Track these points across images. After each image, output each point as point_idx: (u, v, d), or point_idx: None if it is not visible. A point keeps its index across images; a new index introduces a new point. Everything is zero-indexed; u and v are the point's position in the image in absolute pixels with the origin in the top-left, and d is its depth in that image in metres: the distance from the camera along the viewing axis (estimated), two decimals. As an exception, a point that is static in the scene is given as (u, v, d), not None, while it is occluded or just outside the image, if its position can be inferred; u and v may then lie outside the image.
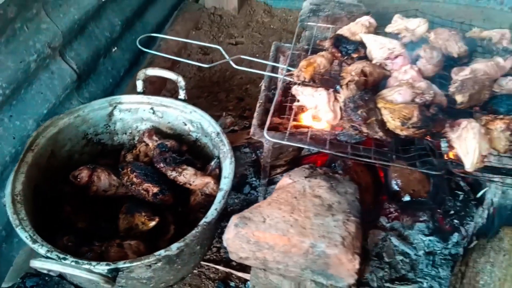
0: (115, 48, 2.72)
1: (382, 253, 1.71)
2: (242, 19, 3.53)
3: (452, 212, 1.79)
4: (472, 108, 1.78)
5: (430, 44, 1.95)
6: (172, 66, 2.86)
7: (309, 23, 2.34)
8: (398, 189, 1.82)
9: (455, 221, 1.77)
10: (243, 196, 1.98)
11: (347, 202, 1.42)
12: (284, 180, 1.54)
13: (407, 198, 1.80)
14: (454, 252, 1.72)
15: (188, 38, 3.19)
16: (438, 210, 1.78)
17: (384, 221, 1.80)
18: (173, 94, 2.58)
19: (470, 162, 1.45)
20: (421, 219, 1.77)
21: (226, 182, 1.53)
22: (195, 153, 1.89)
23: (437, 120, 1.55)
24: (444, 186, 1.83)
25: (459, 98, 1.67)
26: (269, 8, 3.70)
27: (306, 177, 1.51)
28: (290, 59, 2.14)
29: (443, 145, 1.59)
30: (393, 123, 1.57)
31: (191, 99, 2.69)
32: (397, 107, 1.58)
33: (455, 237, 1.75)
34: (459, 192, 1.85)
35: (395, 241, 1.72)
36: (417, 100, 1.63)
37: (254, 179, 2.06)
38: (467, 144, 1.48)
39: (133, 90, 2.09)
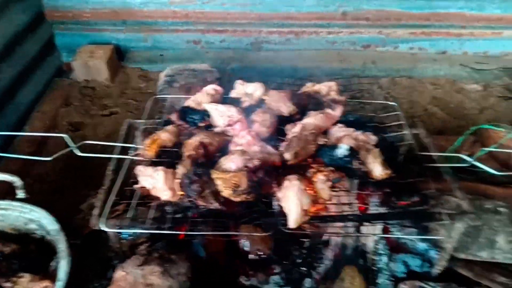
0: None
1: (240, 314, 1.79)
2: (117, 87, 3.57)
3: (299, 260, 1.93)
4: (307, 161, 1.96)
5: (265, 107, 2.14)
6: (37, 149, 2.82)
7: (161, 95, 2.43)
8: (247, 249, 1.93)
9: (303, 268, 1.91)
10: (106, 282, 1.96)
11: (178, 285, 1.49)
12: (118, 273, 1.58)
13: (255, 256, 1.92)
14: (309, 298, 1.85)
15: (57, 117, 3.16)
16: (285, 262, 1.92)
17: (244, 280, 1.89)
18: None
19: (292, 220, 1.59)
20: (275, 271, 1.90)
21: (59, 286, 1.52)
22: (48, 250, 1.85)
23: (264, 183, 1.69)
24: (287, 239, 1.98)
25: (287, 156, 1.83)
26: (145, 73, 3.79)
27: (139, 266, 1.56)
28: (143, 136, 2.22)
29: (275, 204, 1.73)
30: (226, 192, 1.68)
31: (59, 181, 2.66)
32: (228, 176, 1.69)
33: (307, 283, 1.88)
34: (305, 240, 2.01)
35: (252, 299, 1.82)
36: (249, 165, 1.77)
37: (120, 261, 2.05)
38: (289, 202, 1.63)
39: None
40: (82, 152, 1.93)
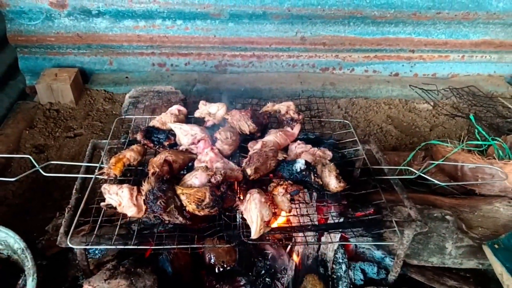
0: None
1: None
2: (81, 110, 3.58)
3: (263, 271, 2.01)
4: (268, 176, 2.07)
5: (227, 126, 2.24)
6: (0, 172, 2.79)
7: (127, 116, 2.49)
8: (212, 262, 2.00)
9: (267, 279, 1.99)
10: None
11: (145, 296, 1.55)
12: None
13: (220, 269, 1.98)
14: (273, 308, 1.92)
15: (21, 139, 3.14)
16: (250, 273, 1.99)
17: (210, 293, 1.95)
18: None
19: (254, 231, 1.68)
20: (241, 283, 1.96)
21: (26, 302, 1.54)
22: (15, 270, 1.85)
23: (227, 197, 1.78)
24: (251, 251, 2.06)
25: (248, 171, 1.93)
26: (110, 95, 3.82)
27: (106, 280, 1.60)
28: (108, 155, 2.27)
29: (238, 217, 1.82)
30: (190, 207, 1.76)
31: (23, 204, 2.64)
32: (192, 191, 1.77)
33: (272, 293, 1.97)
34: (268, 251, 2.09)
35: (217, 312, 1.87)
36: (212, 180, 1.85)
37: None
38: (251, 214, 1.72)
39: None
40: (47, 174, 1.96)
